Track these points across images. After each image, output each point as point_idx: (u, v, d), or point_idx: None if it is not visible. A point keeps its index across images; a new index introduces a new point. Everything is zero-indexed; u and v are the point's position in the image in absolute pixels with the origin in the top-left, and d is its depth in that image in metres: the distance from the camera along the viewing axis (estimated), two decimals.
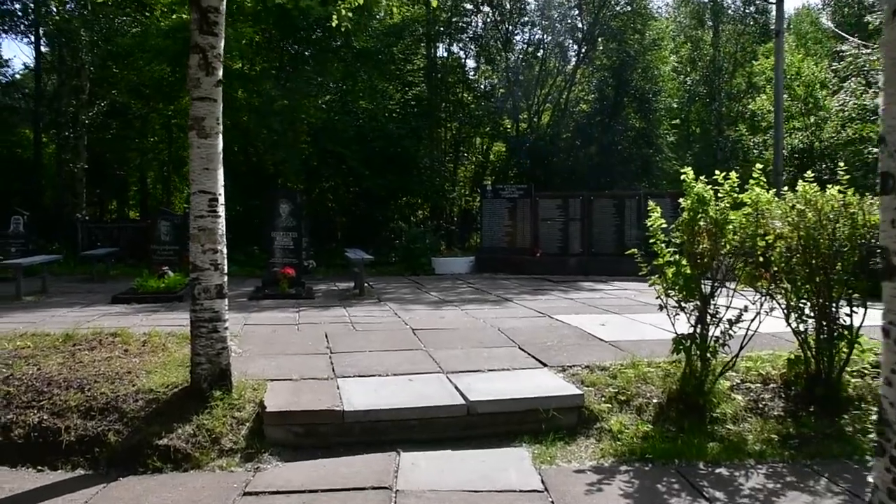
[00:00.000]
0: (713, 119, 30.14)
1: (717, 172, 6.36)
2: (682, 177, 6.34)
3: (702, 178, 6.30)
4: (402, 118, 22.03)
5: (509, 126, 24.58)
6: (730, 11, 30.62)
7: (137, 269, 15.39)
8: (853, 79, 21.92)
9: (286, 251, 13.74)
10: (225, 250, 6.06)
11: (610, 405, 6.10)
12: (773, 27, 30.57)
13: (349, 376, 6.60)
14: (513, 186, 18.70)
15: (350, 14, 7.73)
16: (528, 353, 7.52)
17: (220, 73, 5.93)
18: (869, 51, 21.08)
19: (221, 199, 5.99)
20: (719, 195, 6.18)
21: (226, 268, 6.07)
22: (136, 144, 24.84)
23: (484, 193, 18.94)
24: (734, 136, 29.36)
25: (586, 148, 22.68)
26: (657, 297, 6.47)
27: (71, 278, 16.23)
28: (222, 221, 6.01)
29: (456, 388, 6.21)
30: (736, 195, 6.20)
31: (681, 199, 6.36)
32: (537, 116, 24.21)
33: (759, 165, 6.47)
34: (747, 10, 30.38)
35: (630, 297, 12.54)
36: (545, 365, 7.06)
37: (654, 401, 6.21)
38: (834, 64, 25.18)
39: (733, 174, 6.28)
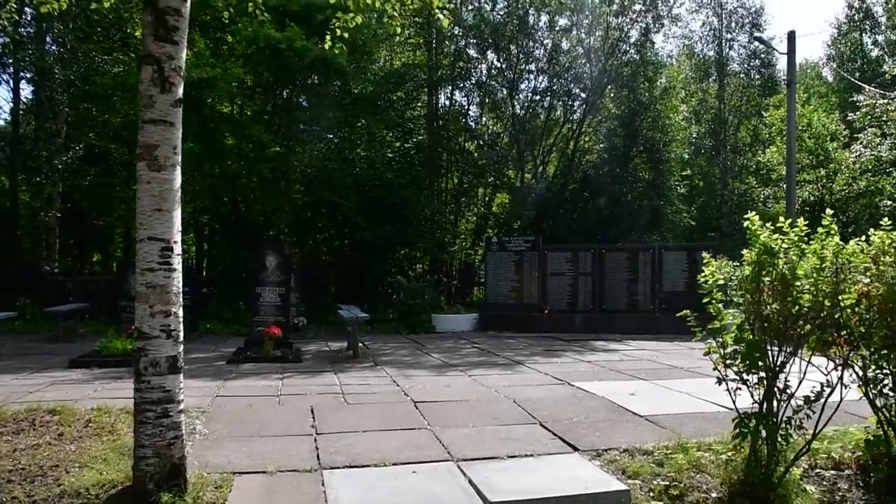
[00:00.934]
0: (719, 172, 29.35)
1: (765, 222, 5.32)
2: (745, 224, 5.28)
3: (767, 224, 5.19)
4: (402, 167, 20.97)
5: (513, 176, 23.59)
6: (734, 65, 30.09)
7: (111, 326, 14.01)
8: (869, 129, 21.16)
9: (272, 308, 12.49)
10: (181, 312, 4.83)
11: (661, 502, 4.86)
12: (781, 78, 30.19)
13: (338, 467, 5.33)
14: (519, 238, 17.51)
15: (346, 35, 6.65)
16: (553, 433, 6.28)
17: (181, 91, 4.80)
18: (886, 101, 20.35)
19: (177, 249, 4.79)
20: (783, 246, 5.07)
21: (181, 334, 4.83)
22: (119, 193, 23.32)
23: (489, 245, 17.78)
24: (742, 189, 28.52)
25: (595, 199, 21.62)
26: (714, 368, 5.36)
27: (35, 337, 14.72)
28: (178, 276, 4.79)
29: (471, 482, 4.98)
30: (804, 246, 5.10)
31: (744, 252, 5.24)
32: (543, 166, 23.20)
33: (829, 211, 5.37)
34: (752, 64, 29.86)
35: (653, 360, 11.32)
36: (575, 448, 5.82)
37: (714, 495, 5.05)
38: (849, 115, 24.51)
39: (801, 220, 5.21)
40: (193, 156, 18.47)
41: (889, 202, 21.43)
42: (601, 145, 23.28)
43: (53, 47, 20.49)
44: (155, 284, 4.66)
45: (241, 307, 17.05)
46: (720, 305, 5.28)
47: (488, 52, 22.77)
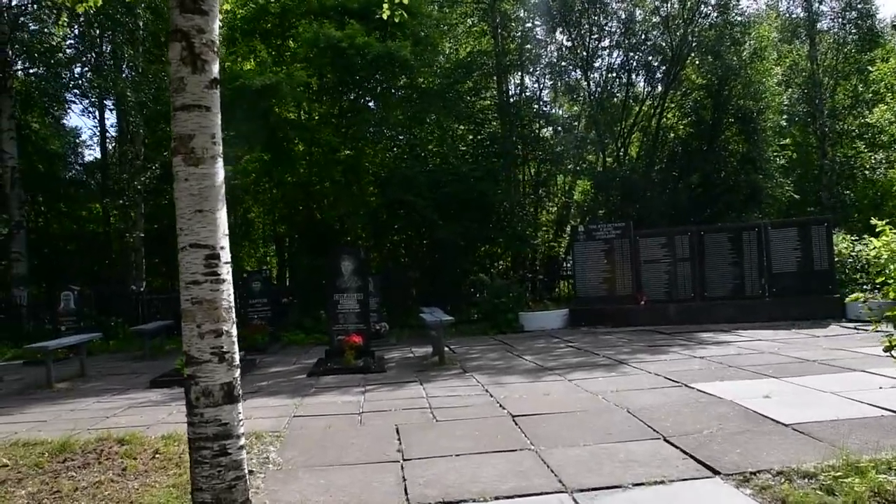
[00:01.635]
0: (815, 140, 27.22)
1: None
2: None
3: None
4: (476, 160, 20.08)
5: (594, 160, 22.31)
6: (826, 21, 27.84)
7: None
8: None
9: (351, 315, 11.79)
10: (234, 331, 4.07)
11: None
12: (885, 28, 27.60)
13: (430, 503, 4.47)
14: (608, 225, 16.26)
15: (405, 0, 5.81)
16: (683, 451, 5.25)
17: (216, 69, 4.02)
18: None
19: (226, 256, 4.02)
20: None
21: (237, 356, 4.07)
22: None
23: (576, 235, 16.62)
24: (849, 154, 26.32)
25: (685, 178, 20.13)
26: None
27: (123, 356, 14.65)
28: (228, 288, 4.03)
29: None
30: None
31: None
32: (624, 148, 21.85)
33: None
34: (847, 17, 27.43)
35: (774, 352, 10.01)
36: (715, 472, 4.79)
37: None
38: None
39: None
40: (264, 164, 18.16)
41: None
42: (688, 119, 21.69)
43: (126, 73, 20.62)
44: (201, 299, 3.91)
45: (322, 316, 16.51)
46: None
47: (557, 31, 21.56)
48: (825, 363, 8.77)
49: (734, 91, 20.04)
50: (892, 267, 4.21)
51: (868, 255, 4.33)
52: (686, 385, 7.73)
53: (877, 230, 4.39)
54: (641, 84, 22.72)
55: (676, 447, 5.35)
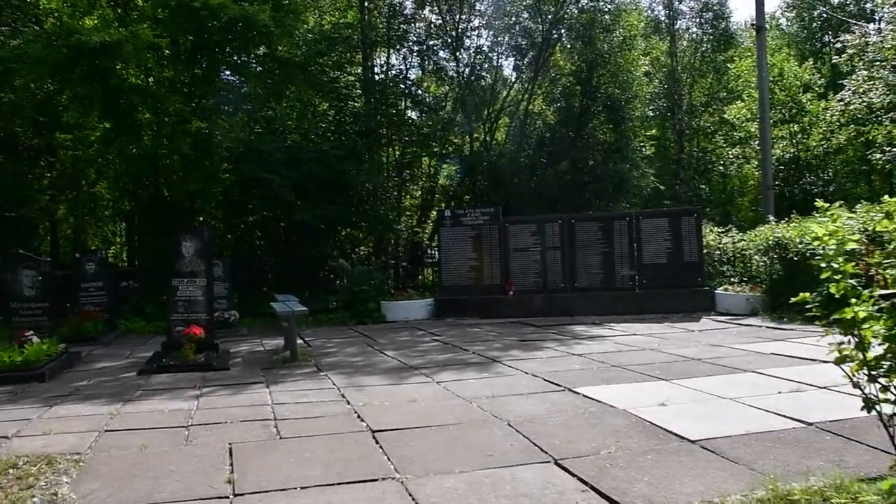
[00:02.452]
0: (672, 135, 27.91)
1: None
2: None
3: None
4: (338, 138, 18.78)
5: (461, 143, 21.49)
6: (685, 21, 28.85)
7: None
8: (859, 73, 19.20)
9: (192, 304, 10.30)
10: None
11: None
12: (737, 30, 28.95)
13: None
14: (476, 211, 15.47)
15: None
16: (582, 480, 4.35)
17: None
18: (881, 37, 18.34)
19: None
20: None
21: None
22: (36, 183, 20.24)
23: (442, 220, 15.70)
24: (708, 149, 27.14)
25: (553, 165, 19.72)
26: (854, 385, 3.46)
27: None
28: None
29: None
30: None
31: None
32: (492, 133, 21.16)
33: None
34: (704, 17, 28.47)
35: (655, 349, 9.45)
36: None
37: None
38: (835, 58, 22.98)
39: None
40: (106, 132, 16.25)
41: (880, 155, 19.46)
42: (556, 106, 21.31)
43: None
44: None
45: (166, 301, 14.83)
46: (852, 283, 3.42)
47: (426, 8, 20.58)
48: (711, 362, 8.24)
49: (603, 79, 19.93)
50: (840, 260, 3.45)
51: (811, 243, 3.56)
52: (570, 390, 6.90)
53: (825, 212, 3.64)
54: (510, 68, 22.27)
55: (572, 474, 4.43)
